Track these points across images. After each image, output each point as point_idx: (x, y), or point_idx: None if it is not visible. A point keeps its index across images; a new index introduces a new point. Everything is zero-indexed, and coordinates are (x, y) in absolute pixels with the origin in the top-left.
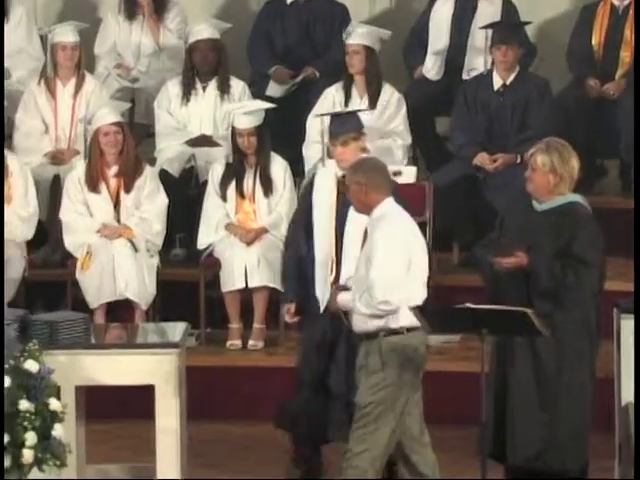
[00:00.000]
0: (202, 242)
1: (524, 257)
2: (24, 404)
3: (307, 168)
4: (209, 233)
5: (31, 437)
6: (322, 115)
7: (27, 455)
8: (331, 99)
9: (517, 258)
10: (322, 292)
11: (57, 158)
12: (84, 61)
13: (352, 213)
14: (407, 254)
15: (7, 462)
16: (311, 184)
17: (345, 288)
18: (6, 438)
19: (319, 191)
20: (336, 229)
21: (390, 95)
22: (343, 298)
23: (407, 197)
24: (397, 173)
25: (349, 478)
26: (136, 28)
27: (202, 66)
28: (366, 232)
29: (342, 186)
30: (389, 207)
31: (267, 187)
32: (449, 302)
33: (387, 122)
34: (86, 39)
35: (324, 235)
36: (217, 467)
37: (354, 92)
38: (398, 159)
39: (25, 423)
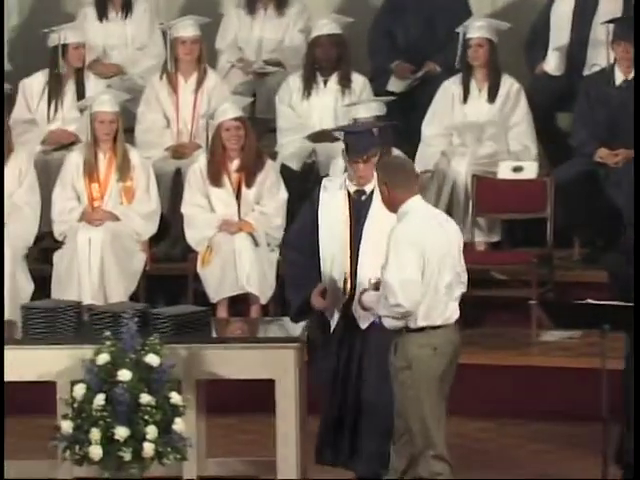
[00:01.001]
0: None
1: None
2: (145, 398)
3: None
4: None
5: (152, 431)
6: (335, 130)
7: (148, 449)
8: (450, 92)
9: None
10: (332, 311)
11: (179, 152)
12: (205, 56)
13: (369, 225)
14: (420, 256)
15: (128, 456)
16: (315, 199)
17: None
18: (127, 432)
19: (327, 208)
20: (351, 245)
21: (510, 86)
22: (366, 299)
23: (528, 193)
24: (518, 169)
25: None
26: (257, 23)
27: (323, 61)
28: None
29: (354, 202)
30: (414, 205)
31: None
32: (570, 298)
33: (509, 114)
34: (208, 34)
35: (334, 252)
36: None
37: (473, 85)
38: (533, 154)
39: (146, 417)
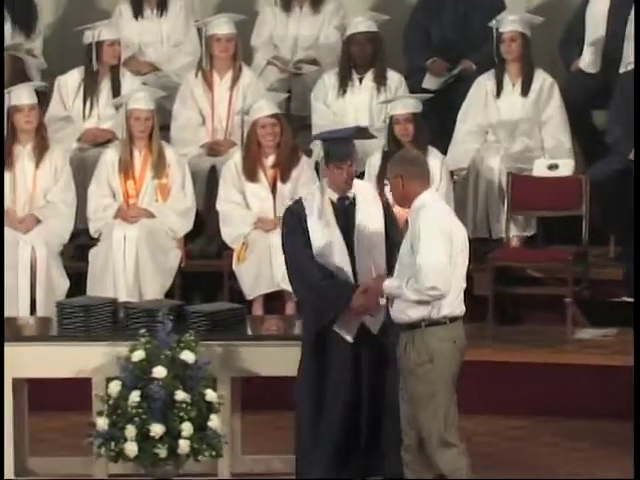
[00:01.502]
0: None
1: None
2: (180, 395)
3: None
4: None
5: (187, 428)
6: (317, 138)
7: (183, 445)
8: (483, 88)
9: None
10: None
11: (214, 149)
12: (240, 53)
13: (360, 231)
14: (448, 242)
15: (163, 452)
16: (301, 212)
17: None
18: (162, 428)
19: (317, 223)
20: (349, 252)
21: (543, 81)
22: (389, 285)
23: (563, 191)
24: (553, 166)
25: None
26: (293, 20)
27: (359, 58)
28: (406, 222)
29: (339, 209)
30: (429, 197)
31: None
32: (605, 296)
33: (542, 109)
34: (244, 31)
35: (335, 265)
36: None
37: (506, 80)
38: (567, 149)
39: (181, 414)
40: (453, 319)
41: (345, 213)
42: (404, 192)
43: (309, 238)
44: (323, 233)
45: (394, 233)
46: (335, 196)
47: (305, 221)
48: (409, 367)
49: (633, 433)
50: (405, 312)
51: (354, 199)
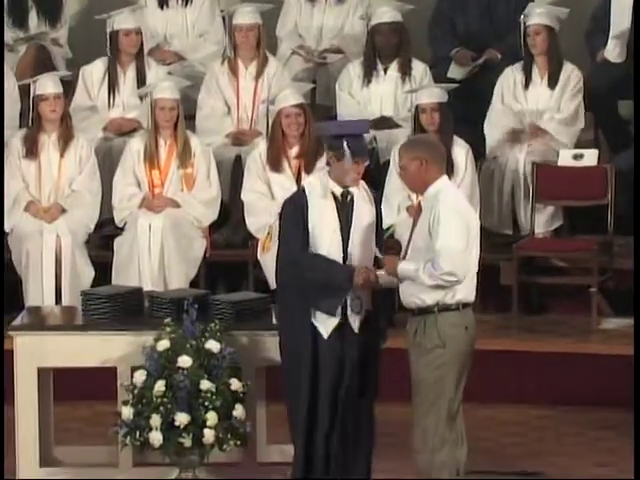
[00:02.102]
0: (383, 223)
1: None
2: (205, 384)
3: (488, 146)
4: (391, 215)
5: (212, 417)
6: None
7: (208, 435)
8: (512, 79)
9: None
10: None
11: (239, 139)
12: (264, 42)
13: (355, 227)
14: (466, 228)
15: (188, 442)
16: (304, 204)
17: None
18: (187, 418)
19: (317, 213)
20: (343, 248)
21: (570, 72)
22: (405, 267)
23: (588, 180)
24: (578, 156)
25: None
26: (318, 10)
27: (384, 48)
28: (419, 208)
29: (341, 204)
30: (447, 183)
31: (448, 169)
32: (630, 285)
33: (568, 101)
34: (269, 21)
35: (327, 253)
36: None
37: (534, 73)
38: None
39: (206, 403)
40: (465, 305)
41: (345, 208)
42: (425, 176)
43: (308, 230)
44: (322, 227)
45: (379, 228)
46: (339, 190)
47: (306, 212)
48: (418, 353)
49: (633, 430)
50: (417, 296)
51: (353, 194)
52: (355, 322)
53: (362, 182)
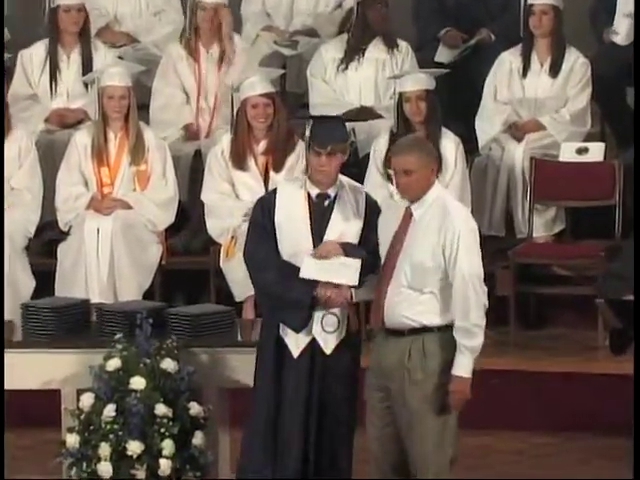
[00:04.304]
0: None
1: None
2: (161, 409)
3: (481, 144)
4: None
5: (169, 446)
6: (305, 118)
7: (164, 466)
8: (507, 65)
9: None
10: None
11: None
12: (229, 23)
13: (331, 230)
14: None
15: (142, 474)
16: (271, 204)
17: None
18: (141, 447)
19: (285, 214)
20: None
21: (574, 60)
22: (466, 363)
23: (594, 178)
24: (582, 150)
25: None
26: None
27: (375, 23)
28: (406, 215)
29: (315, 206)
30: (441, 189)
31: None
32: None
33: (571, 91)
34: None
35: (296, 266)
36: None
37: (534, 58)
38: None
39: (162, 430)
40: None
41: (321, 214)
42: (429, 183)
43: (275, 236)
44: (291, 234)
45: (372, 238)
46: (315, 191)
47: (273, 217)
48: (414, 379)
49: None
50: (414, 318)
51: (335, 198)
52: (327, 342)
53: (358, 185)
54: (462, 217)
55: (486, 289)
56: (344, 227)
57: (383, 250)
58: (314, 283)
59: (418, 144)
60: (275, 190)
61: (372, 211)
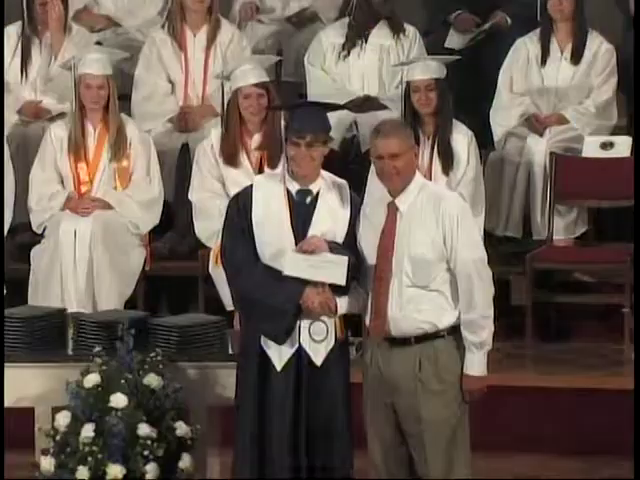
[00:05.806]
0: None
1: None
2: (144, 429)
3: (496, 138)
4: None
5: (153, 469)
6: (278, 109)
7: None
8: (525, 52)
9: None
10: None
11: (185, 120)
12: (217, 3)
13: (313, 230)
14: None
15: None
16: (247, 202)
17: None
18: (122, 471)
19: (263, 209)
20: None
21: (598, 47)
22: (481, 360)
23: (620, 175)
24: (608, 145)
25: None
26: None
27: (377, 4)
28: (390, 210)
29: (296, 204)
30: (422, 178)
31: (447, 161)
32: None
33: (594, 81)
34: None
35: (277, 267)
36: None
37: (553, 44)
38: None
39: (145, 452)
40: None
41: (302, 211)
42: (413, 170)
43: (253, 237)
44: (270, 234)
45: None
46: (295, 187)
47: (250, 214)
48: (430, 389)
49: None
50: (423, 319)
51: (317, 195)
52: (317, 352)
53: (342, 181)
54: (454, 199)
55: (490, 272)
56: (328, 226)
57: (370, 251)
58: (298, 289)
59: (399, 127)
60: (251, 186)
61: (357, 209)
